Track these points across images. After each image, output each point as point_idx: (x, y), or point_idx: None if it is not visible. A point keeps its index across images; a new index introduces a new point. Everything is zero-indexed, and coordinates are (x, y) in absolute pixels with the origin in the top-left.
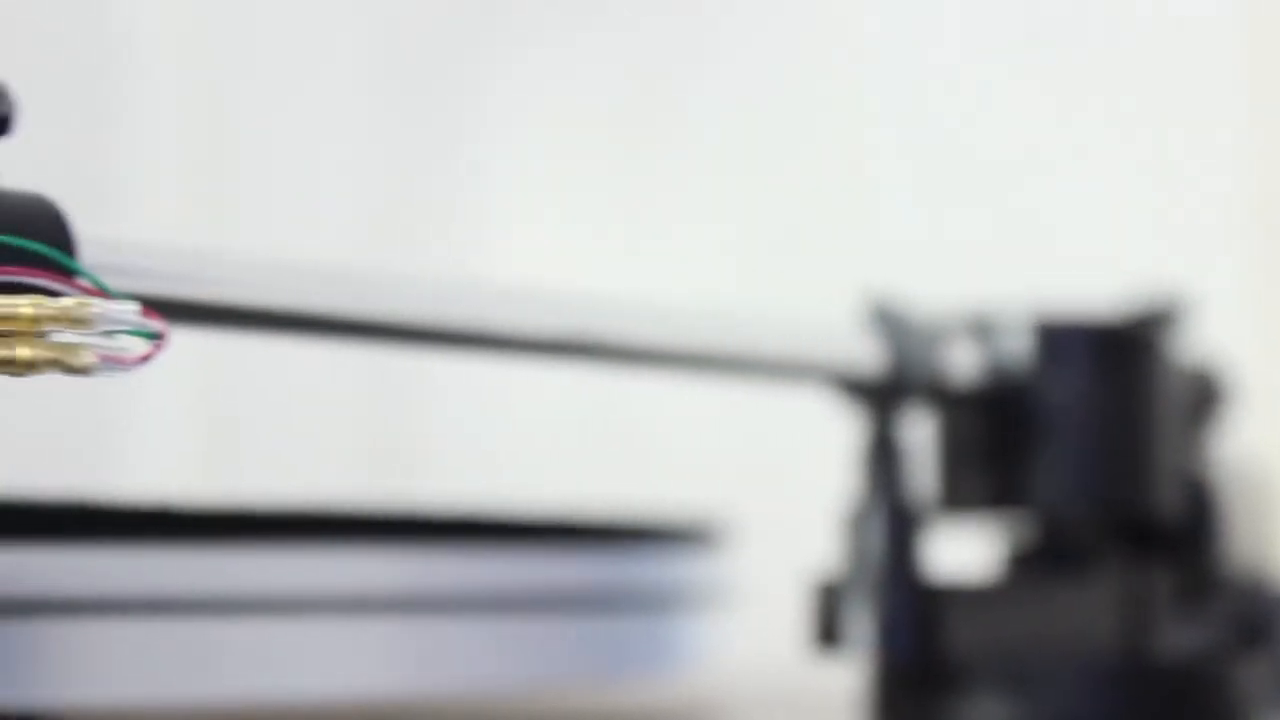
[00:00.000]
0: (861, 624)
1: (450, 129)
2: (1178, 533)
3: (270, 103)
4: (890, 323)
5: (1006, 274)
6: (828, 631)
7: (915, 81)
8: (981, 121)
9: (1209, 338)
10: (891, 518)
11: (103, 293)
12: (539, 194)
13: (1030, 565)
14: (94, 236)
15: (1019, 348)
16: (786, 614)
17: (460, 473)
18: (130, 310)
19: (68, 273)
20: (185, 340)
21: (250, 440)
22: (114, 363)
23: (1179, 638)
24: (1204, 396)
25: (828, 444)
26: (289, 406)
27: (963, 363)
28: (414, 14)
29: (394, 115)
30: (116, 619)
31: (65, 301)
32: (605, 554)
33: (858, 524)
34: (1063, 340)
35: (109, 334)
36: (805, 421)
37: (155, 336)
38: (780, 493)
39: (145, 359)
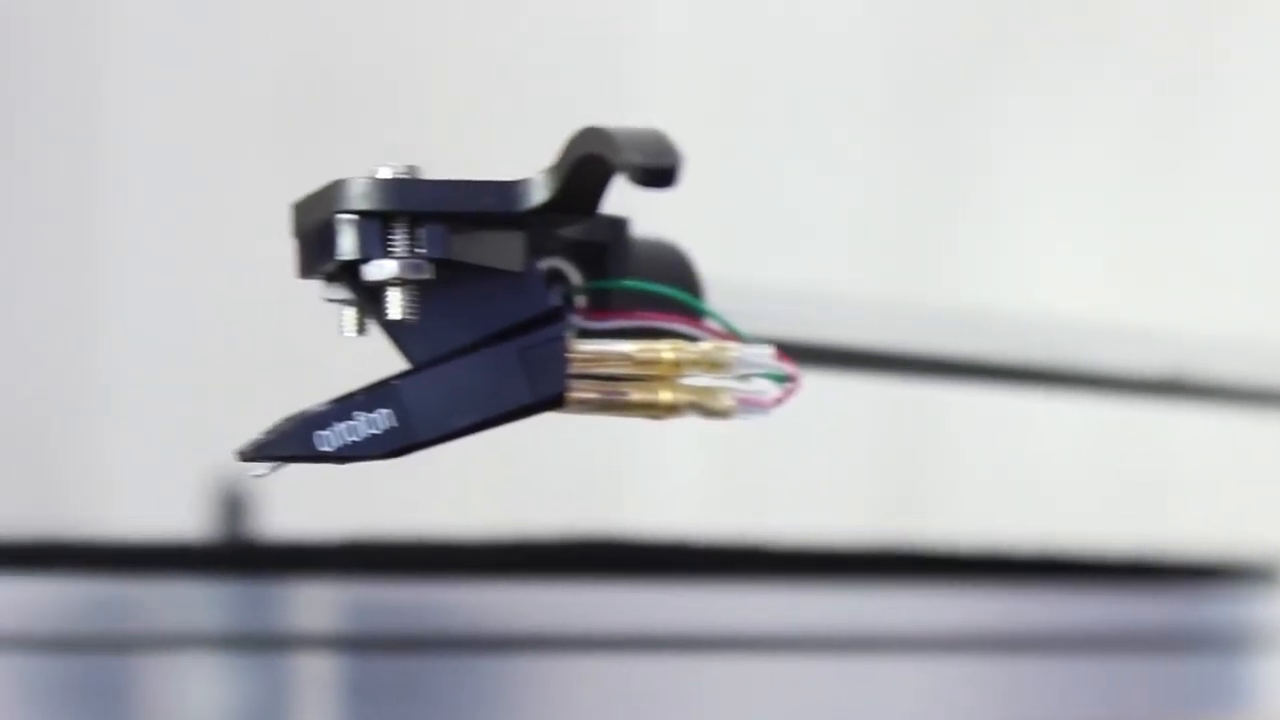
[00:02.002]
0: None
1: (962, 157)
2: None
3: (780, 134)
4: None
5: None
6: None
7: None
8: None
9: None
10: None
11: (734, 336)
12: (1056, 223)
13: None
14: (717, 280)
15: None
16: None
17: (979, 510)
18: (765, 354)
19: (697, 316)
20: None
21: (761, 477)
22: (751, 406)
23: None
24: None
25: None
26: (802, 441)
27: None
28: (925, 39)
29: (906, 144)
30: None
31: (704, 345)
32: (1171, 591)
33: None
34: None
35: (743, 377)
36: None
37: (787, 379)
38: None
39: (779, 402)
